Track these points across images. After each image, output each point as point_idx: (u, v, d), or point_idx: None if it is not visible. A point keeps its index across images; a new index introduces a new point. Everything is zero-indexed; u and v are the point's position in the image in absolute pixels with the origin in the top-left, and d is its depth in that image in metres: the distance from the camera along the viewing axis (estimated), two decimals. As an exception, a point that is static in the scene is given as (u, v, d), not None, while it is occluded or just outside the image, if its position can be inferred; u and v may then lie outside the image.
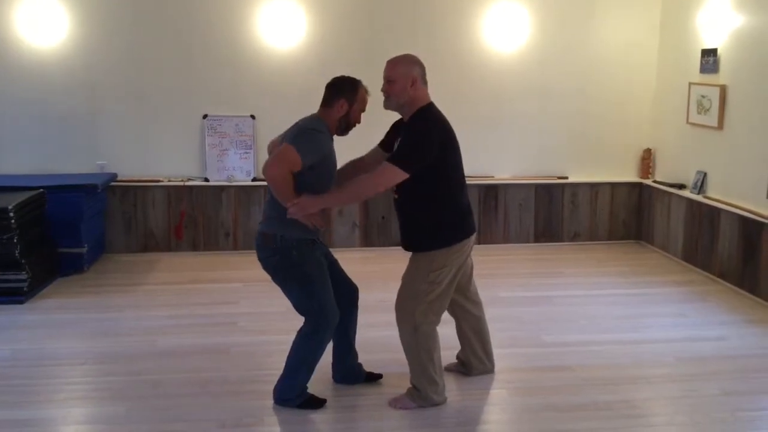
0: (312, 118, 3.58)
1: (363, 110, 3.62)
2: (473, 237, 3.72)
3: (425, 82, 3.57)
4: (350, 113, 3.56)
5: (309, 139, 3.43)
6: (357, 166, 3.81)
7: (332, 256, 3.81)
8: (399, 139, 3.56)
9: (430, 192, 3.53)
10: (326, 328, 3.60)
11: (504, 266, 6.21)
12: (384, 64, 3.61)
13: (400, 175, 3.41)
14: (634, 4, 6.73)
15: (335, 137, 3.62)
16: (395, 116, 3.72)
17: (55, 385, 4.01)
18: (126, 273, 6.04)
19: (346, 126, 3.59)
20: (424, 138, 3.45)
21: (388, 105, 3.58)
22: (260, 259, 3.63)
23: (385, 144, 3.78)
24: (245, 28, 6.43)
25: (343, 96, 3.53)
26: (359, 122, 3.63)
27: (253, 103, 6.54)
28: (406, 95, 3.50)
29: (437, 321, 3.70)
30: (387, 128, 3.81)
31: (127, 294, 5.51)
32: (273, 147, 3.71)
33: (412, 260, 3.70)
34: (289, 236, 3.51)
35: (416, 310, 3.60)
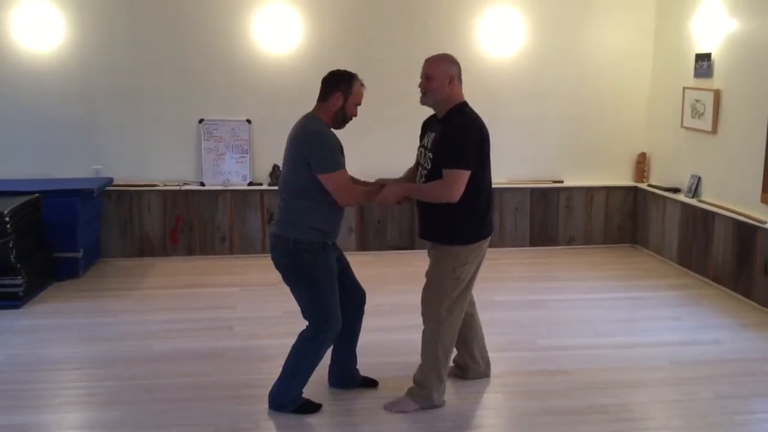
0: (310, 118, 3.61)
1: (359, 103, 3.65)
2: (489, 238, 3.76)
3: (461, 81, 3.65)
4: (345, 106, 3.59)
5: (330, 148, 3.53)
6: (412, 172, 3.90)
7: (345, 260, 3.83)
8: (434, 136, 3.62)
9: (465, 188, 3.54)
10: (327, 333, 3.61)
11: (500, 270, 6.23)
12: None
13: (465, 175, 3.49)
14: (629, 10, 6.76)
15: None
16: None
17: (50, 389, 4.01)
18: (122, 277, 6.03)
19: (342, 119, 3.63)
20: (468, 134, 3.54)
21: (425, 101, 3.65)
22: (273, 260, 3.68)
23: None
24: (241, 33, 6.44)
25: (338, 89, 3.57)
26: (355, 115, 3.67)
27: (248, 107, 6.55)
28: (444, 92, 3.59)
29: (460, 319, 3.74)
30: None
31: (123, 299, 5.51)
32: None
33: (435, 256, 3.72)
34: (301, 239, 3.54)
35: (442, 305, 3.65)
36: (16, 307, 5.21)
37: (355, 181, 3.79)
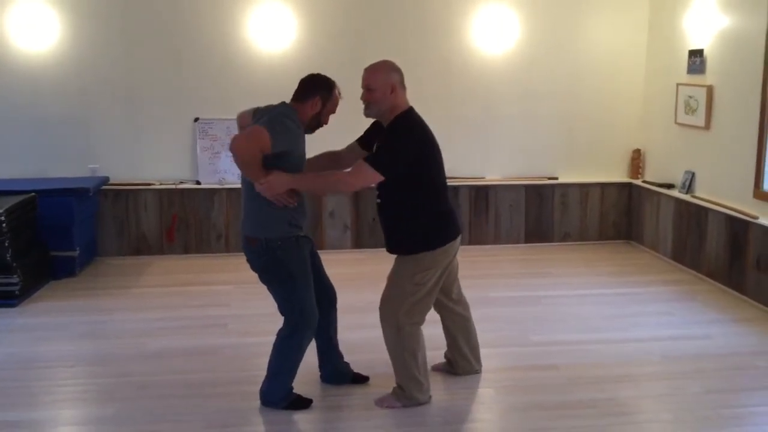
0: (286, 107, 3.55)
1: (333, 112, 3.63)
2: (459, 239, 3.75)
3: (404, 87, 3.60)
4: (322, 112, 3.57)
5: (283, 127, 3.40)
6: (332, 157, 3.83)
7: (317, 256, 3.82)
8: (376, 146, 3.59)
9: (412, 196, 3.56)
10: (305, 328, 3.62)
11: (494, 267, 6.25)
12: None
13: (374, 177, 3.45)
14: (622, 6, 6.77)
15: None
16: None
17: (46, 387, 4.04)
18: (118, 276, 6.06)
19: (316, 124, 3.60)
20: (403, 143, 3.49)
21: (368, 113, 3.61)
22: (248, 260, 3.66)
23: (363, 141, 3.81)
24: (235, 32, 6.47)
25: (318, 94, 3.54)
26: (327, 123, 3.64)
27: (243, 105, 6.46)
28: (387, 102, 3.53)
29: (421, 321, 3.72)
30: (358, 124, 3.83)
31: (118, 297, 5.54)
32: (242, 120, 3.67)
33: (397, 261, 3.73)
34: (273, 237, 3.52)
35: (400, 310, 3.63)
36: (13, 306, 5.24)
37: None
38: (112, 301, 5.44)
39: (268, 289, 3.67)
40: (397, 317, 3.64)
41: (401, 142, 3.49)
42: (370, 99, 3.54)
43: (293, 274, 3.55)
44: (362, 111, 3.62)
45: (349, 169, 3.59)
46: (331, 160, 3.82)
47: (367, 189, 3.95)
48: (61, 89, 6.38)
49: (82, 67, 6.37)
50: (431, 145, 3.58)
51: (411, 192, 3.55)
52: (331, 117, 3.66)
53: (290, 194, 3.47)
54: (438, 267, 3.65)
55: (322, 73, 3.67)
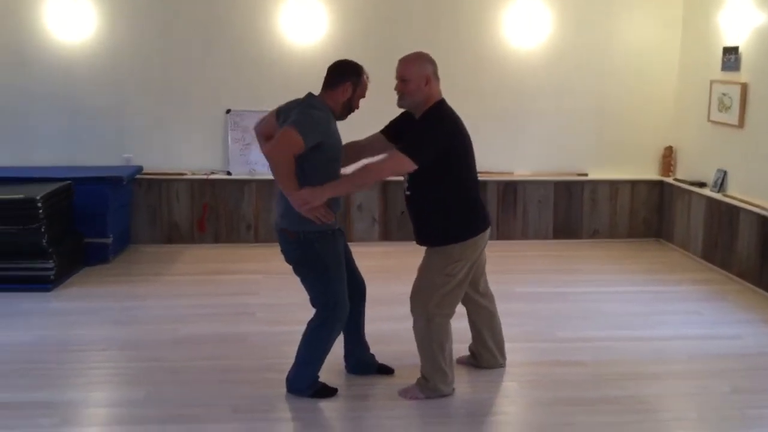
0: (312, 98, 3.57)
1: (363, 96, 3.65)
2: (488, 232, 3.77)
3: (438, 79, 3.61)
4: (352, 98, 3.59)
5: (311, 120, 3.41)
6: (354, 148, 3.83)
7: (348, 249, 3.87)
8: (408, 131, 3.61)
9: (442, 188, 3.57)
10: (336, 320, 3.67)
11: (521, 262, 6.24)
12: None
13: (408, 165, 3.46)
14: (656, 2, 6.70)
15: None
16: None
17: (78, 369, 4.15)
18: (150, 264, 6.18)
19: (348, 110, 3.62)
20: (435, 132, 3.51)
21: (402, 104, 3.63)
22: (283, 252, 3.70)
23: (388, 131, 3.81)
24: (268, 25, 6.54)
25: (348, 79, 3.56)
26: (358, 107, 3.66)
27: (275, 98, 6.46)
28: (421, 94, 3.55)
29: (451, 314, 3.75)
30: (389, 116, 3.85)
31: (150, 284, 5.65)
32: (266, 128, 3.68)
33: (427, 253, 3.76)
34: (310, 230, 3.54)
35: (430, 302, 3.67)
36: (48, 290, 5.37)
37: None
38: (144, 288, 5.55)
39: (302, 280, 3.71)
40: (428, 309, 3.67)
41: (433, 132, 3.51)
42: (404, 90, 3.56)
43: (328, 266, 3.60)
44: (395, 101, 3.64)
45: (376, 160, 3.59)
46: (353, 151, 3.82)
47: (396, 181, 3.99)
48: (96, 80, 6.51)
49: (117, 58, 6.49)
50: (463, 136, 3.60)
51: (441, 184, 3.57)
52: (361, 102, 3.68)
53: (327, 209, 3.46)
54: (468, 259, 3.67)
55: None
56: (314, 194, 3.41)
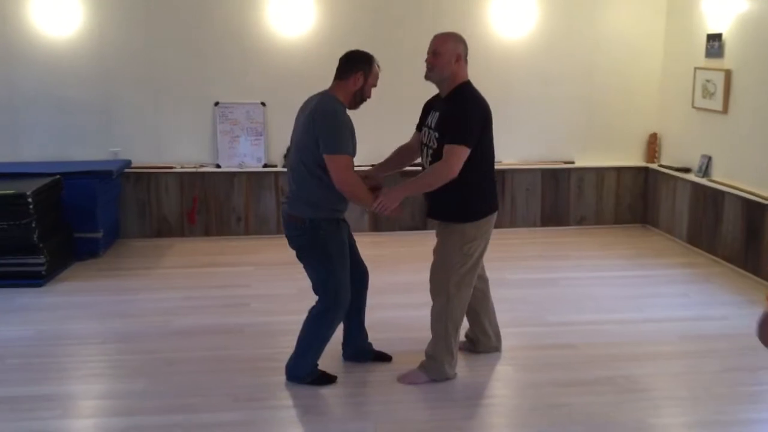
0: (327, 96, 3.63)
1: (375, 85, 3.71)
2: (496, 213, 3.86)
3: (466, 62, 3.72)
4: (365, 87, 3.65)
5: (340, 130, 3.52)
6: (406, 151, 4.00)
7: (352, 237, 3.91)
8: (438, 115, 3.68)
9: (469, 166, 3.61)
10: (338, 308, 3.71)
11: (511, 249, 6.31)
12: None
13: (465, 152, 3.56)
14: (640, -10, 6.78)
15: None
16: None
17: (75, 362, 4.17)
18: (140, 257, 6.18)
19: (360, 99, 3.68)
20: (474, 112, 3.61)
21: (430, 76, 3.72)
22: (288, 237, 3.74)
23: (421, 126, 3.91)
24: (255, 17, 6.53)
25: (359, 69, 3.62)
26: (370, 97, 3.72)
27: (263, 90, 6.65)
28: (449, 69, 3.65)
29: (469, 294, 3.83)
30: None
31: (142, 277, 5.66)
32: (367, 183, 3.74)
33: (443, 234, 3.81)
34: (317, 217, 3.60)
35: (450, 281, 3.74)
36: (39, 286, 5.37)
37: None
38: (136, 281, 5.55)
39: (305, 267, 3.76)
40: (448, 288, 3.74)
41: (472, 113, 3.61)
42: (434, 63, 3.66)
43: (332, 254, 3.64)
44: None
45: (440, 162, 3.62)
46: (406, 154, 3.97)
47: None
48: (85, 74, 6.48)
49: (104, 51, 6.47)
50: (490, 117, 3.71)
51: (468, 162, 3.60)
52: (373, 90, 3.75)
53: (400, 206, 3.66)
54: (482, 238, 3.76)
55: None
56: (390, 196, 3.62)
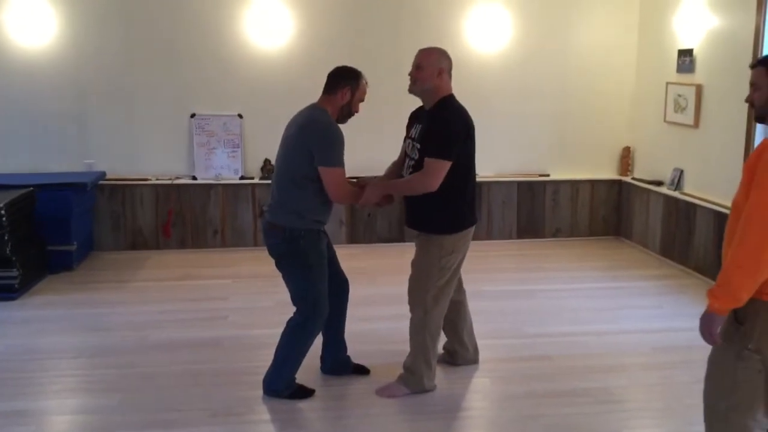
0: (318, 110, 3.66)
1: (362, 100, 3.75)
2: (474, 227, 3.89)
3: (450, 76, 3.78)
4: (352, 102, 3.69)
5: (336, 144, 3.57)
6: (397, 166, 4.01)
7: (332, 248, 3.92)
8: (420, 127, 3.73)
9: (450, 178, 3.64)
10: (316, 318, 3.71)
11: (487, 262, 6.36)
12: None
13: (445, 165, 3.59)
14: (613, 7, 6.90)
15: None
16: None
17: (49, 377, 4.10)
18: (115, 270, 6.12)
19: (347, 114, 3.72)
20: (453, 125, 3.65)
21: (413, 89, 3.77)
22: (267, 245, 3.74)
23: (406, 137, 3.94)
24: (232, 28, 6.54)
25: (347, 84, 3.66)
26: (357, 111, 3.76)
27: (240, 102, 6.65)
28: (432, 82, 3.70)
29: (445, 306, 3.85)
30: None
31: (117, 290, 5.60)
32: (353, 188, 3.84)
33: (421, 245, 3.83)
34: (297, 227, 3.62)
35: (428, 294, 3.76)
36: (12, 299, 5.29)
37: None
38: (111, 295, 5.50)
39: (283, 276, 3.76)
40: (426, 300, 3.76)
41: (452, 125, 3.64)
42: (417, 76, 3.71)
43: (312, 265, 3.65)
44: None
45: (421, 172, 3.66)
46: (401, 168, 3.97)
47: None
48: (58, 85, 6.43)
49: (78, 62, 6.42)
50: (472, 130, 3.74)
51: (449, 174, 3.63)
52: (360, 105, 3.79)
53: (384, 198, 3.80)
54: (460, 251, 3.79)
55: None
56: (373, 191, 3.74)
